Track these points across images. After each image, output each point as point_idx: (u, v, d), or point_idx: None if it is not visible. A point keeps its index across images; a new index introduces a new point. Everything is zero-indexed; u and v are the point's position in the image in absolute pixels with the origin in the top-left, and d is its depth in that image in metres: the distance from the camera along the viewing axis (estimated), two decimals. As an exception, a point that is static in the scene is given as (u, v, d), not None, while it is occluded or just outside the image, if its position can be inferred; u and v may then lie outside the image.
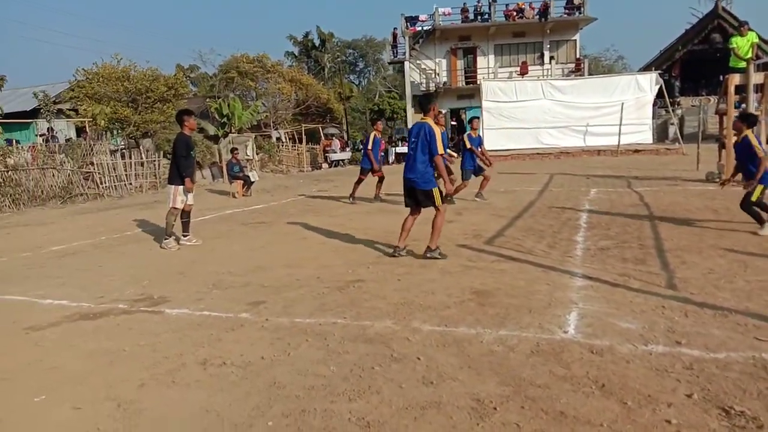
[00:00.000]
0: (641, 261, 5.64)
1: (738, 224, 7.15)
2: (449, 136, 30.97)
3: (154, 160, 18.73)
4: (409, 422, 2.73)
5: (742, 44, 11.98)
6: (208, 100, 28.72)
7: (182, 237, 7.97)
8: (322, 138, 31.37)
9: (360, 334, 3.98)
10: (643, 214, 8.35)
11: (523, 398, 2.91)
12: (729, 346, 3.45)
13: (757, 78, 11.31)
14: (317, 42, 55.99)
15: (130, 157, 17.99)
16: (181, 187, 7.64)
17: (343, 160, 28.92)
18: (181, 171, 7.58)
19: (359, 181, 11.90)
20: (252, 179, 15.28)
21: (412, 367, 3.37)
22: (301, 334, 4.02)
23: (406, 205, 6.37)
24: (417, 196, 6.17)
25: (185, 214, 7.90)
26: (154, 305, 4.99)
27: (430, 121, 6.09)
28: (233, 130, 23.59)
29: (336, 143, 30.00)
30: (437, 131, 5.98)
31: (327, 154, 29.15)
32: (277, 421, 2.81)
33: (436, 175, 6.18)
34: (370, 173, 11.80)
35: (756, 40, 12.22)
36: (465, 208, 9.88)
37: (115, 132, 21.09)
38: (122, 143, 21.02)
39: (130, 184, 17.73)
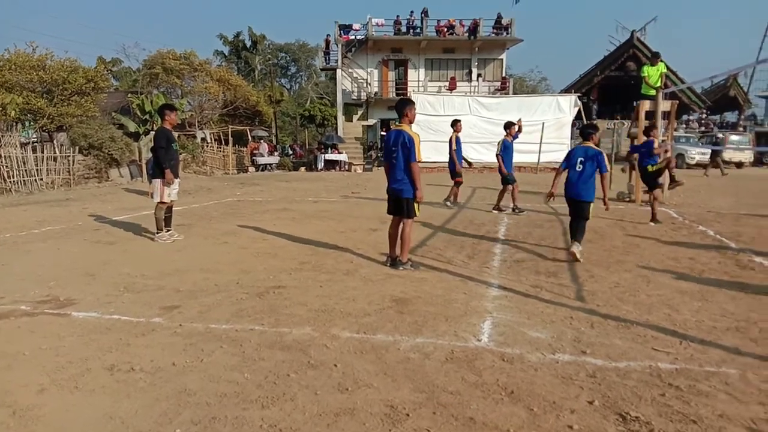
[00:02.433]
0: (553, 274, 5.90)
1: (643, 240, 7.63)
2: (379, 146, 31.24)
3: (69, 156, 17.76)
4: (322, 429, 2.73)
5: (653, 73, 12.81)
6: (130, 95, 27.56)
7: (165, 232, 7.93)
8: (250, 140, 30.79)
9: (277, 340, 3.93)
10: (558, 229, 8.73)
11: (436, 404, 2.98)
12: (629, 355, 3.67)
13: (664, 105, 12.13)
14: (248, 43, 55.16)
15: (42, 151, 16.98)
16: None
17: (271, 165, 28.50)
18: (161, 163, 7.58)
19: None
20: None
21: (329, 374, 3.37)
22: (215, 341, 3.93)
23: (389, 212, 6.27)
24: (401, 205, 6.02)
25: (168, 209, 7.89)
26: (60, 308, 4.73)
27: (406, 127, 5.88)
28: (155, 128, 22.74)
29: (264, 146, 29.54)
30: (416, 138, 5.78)
31: (254, 158, 28.63)
32: (185, 428, 2.73)
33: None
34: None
35: (665, 70, 13.10)
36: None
37: (26, 123, 19.86)
38: (34, 136, 19.81)
39: (41, 179, 16.73)
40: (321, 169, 27.59)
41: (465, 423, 2.79)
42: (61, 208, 11.97)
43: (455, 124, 11.59)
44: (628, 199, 12.52)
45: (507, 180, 10.69)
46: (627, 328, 4.19)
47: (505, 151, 10.66)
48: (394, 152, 5.93)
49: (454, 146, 11.59)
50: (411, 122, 5.99)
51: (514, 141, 10.90)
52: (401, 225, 6.10)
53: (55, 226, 9.26)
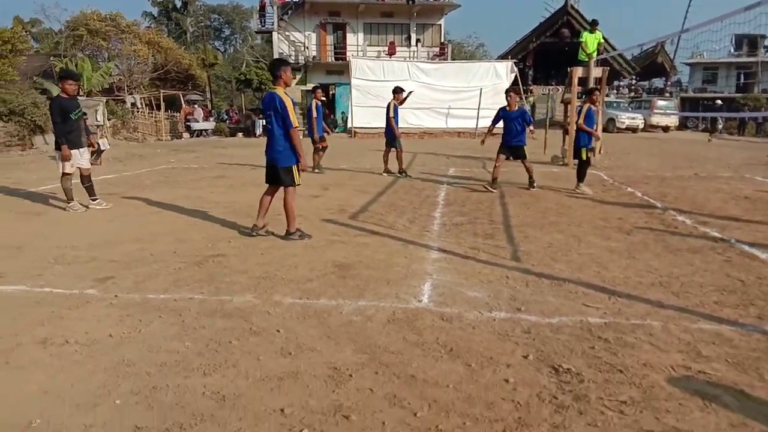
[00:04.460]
0: (490, 236, 6.06)
1: (575, 202, 7.93)
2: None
3: (-16, 123, 16.65)
4: (265, 393, 2.74)
5: (591, 41, 13.13)
6: (52, 58, 25.95)
7: (91, 202, 7.74)
8: (184, 105, 29.69)
9: (218, 308, 3.89)
10: (494, 193, 8.93)
11: (378, 364, 3.04)
12: (561, 311, 3.84)
13: (596, 72, 12.50)
14: (179, 4, 52.74)
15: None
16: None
17: (206, 130, 27.65)
18: (57, 137, 7.35)
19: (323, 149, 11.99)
20: (102, 147, 14.14)
21: (271, 339, 3.37)
22: (153, 311, 3.84)
23: (266, 181, 6.05)
24: (277, 174, 5.82)
25: (85, 178, 7.69)
26: (-16, 282, 4.50)
27: (279, 90, 5.56)
28: (81, 93, 21.59)
29: (199, 112, 28.54)
30: (288, 102, 5.49)
31: (188, 123, 27.67)
32: (125, 398, 2.69)
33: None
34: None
35: (602, 40, 13.45)
36: (331, 183, 9.94)
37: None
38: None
39: (-45, 147, 15.66)
40: (259, 135, 26.97)
41: (406, 381, 2.87)
42: (-21, 178, 11.26)
43: (315, 91, 12.31)
44: (562, 163, 12.91)
45: (394, 143, 10.94)
46: (559, 286, 4.38)
47: (395, 114, 10.95)
48: (268, 117, 5.71)
49: (314, 113, 11.68)
50: (287, 84, 5.69)
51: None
52: (284, 194, 5.83)
53: (-26, 197, 8.73)
